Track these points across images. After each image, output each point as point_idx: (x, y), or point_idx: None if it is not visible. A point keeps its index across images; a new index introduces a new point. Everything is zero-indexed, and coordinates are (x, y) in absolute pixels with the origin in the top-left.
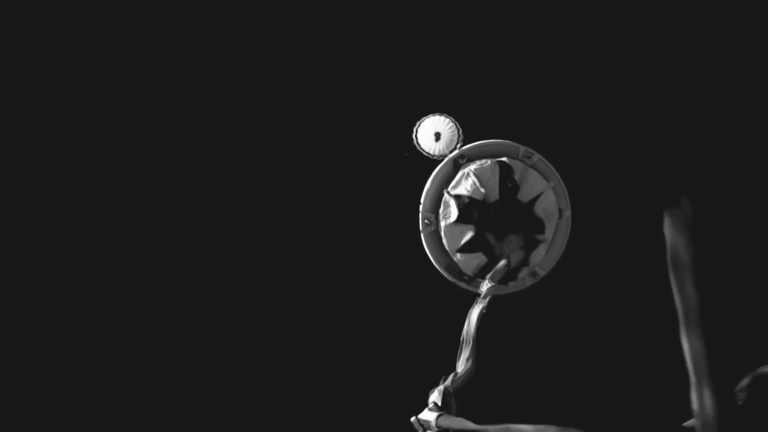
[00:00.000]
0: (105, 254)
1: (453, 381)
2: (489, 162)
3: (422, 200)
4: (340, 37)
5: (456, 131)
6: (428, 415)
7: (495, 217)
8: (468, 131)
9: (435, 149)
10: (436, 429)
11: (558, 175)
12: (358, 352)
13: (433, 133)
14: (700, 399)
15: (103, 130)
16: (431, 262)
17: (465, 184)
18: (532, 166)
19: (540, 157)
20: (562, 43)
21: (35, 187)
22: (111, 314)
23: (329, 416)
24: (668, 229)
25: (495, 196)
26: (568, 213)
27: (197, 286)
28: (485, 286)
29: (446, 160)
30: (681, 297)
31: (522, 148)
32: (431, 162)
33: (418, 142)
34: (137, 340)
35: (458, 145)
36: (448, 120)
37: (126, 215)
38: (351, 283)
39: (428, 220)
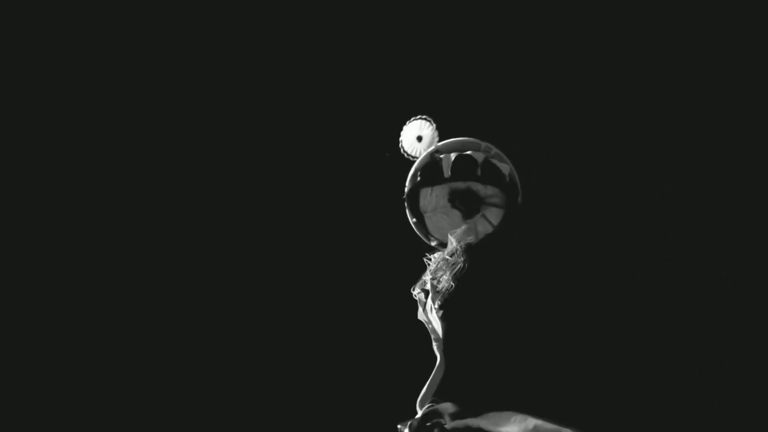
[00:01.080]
0: (105, 254)
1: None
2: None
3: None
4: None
5: (434, 134)
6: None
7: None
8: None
9: (418, 151)
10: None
11: (512, 165)
12: (353, 343)
13: (416, 136)
14: None
15: (103, 130)
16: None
17: None
18: (493, 157)
19: (497, 151)
20: (528, 49)
21: (35, 187)
22: (111, 314)
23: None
24: None
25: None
26: (518, 198)
27: (185, 279)
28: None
29: (424, 154)
30: None
31: (483, 144)
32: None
33: (402, 146)
34: (131, 339)
35: (435, 142)
36: (428, 123)
37: (118, 216)
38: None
39: None
